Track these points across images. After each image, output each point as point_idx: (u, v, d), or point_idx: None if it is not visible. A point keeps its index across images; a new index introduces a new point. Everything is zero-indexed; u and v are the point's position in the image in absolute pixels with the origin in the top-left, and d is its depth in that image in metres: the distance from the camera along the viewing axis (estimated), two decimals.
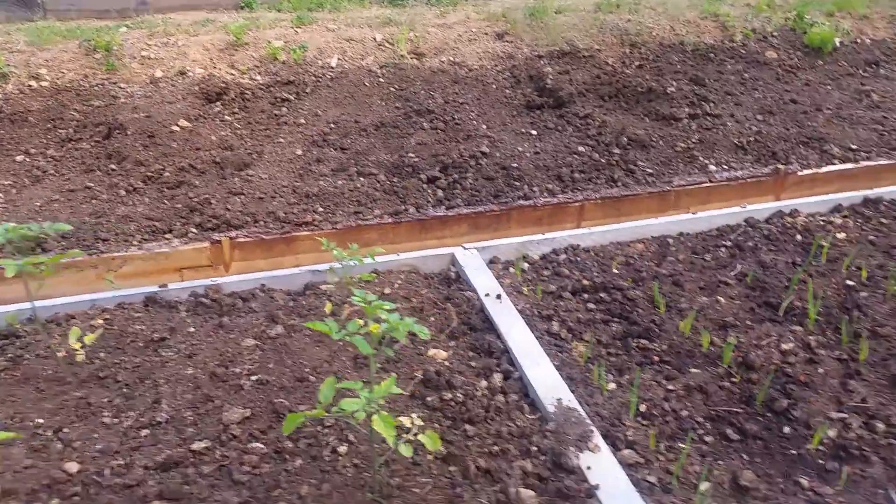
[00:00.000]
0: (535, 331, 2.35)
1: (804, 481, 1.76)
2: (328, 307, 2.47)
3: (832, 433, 1.87)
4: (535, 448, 1.87)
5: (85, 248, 3.14)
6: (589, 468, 1.77)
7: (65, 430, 2.06)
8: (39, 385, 2.25)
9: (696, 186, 4.58)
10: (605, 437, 1.91)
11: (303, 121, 5.21)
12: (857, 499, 1.70)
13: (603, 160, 4.72)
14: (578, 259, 2.78)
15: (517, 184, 4.76)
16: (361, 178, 4.61)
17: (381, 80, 6.01)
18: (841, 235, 2.82)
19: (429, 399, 2.07)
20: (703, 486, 1.77)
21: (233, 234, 3.36)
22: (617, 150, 4.83)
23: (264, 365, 2.26)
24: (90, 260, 2.99)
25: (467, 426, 1.97)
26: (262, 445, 1.95)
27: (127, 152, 4.09)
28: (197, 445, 1.96)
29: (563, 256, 2.81)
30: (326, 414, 1.64)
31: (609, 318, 2.42)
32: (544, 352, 2.21)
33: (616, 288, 2.54)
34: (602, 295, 2.53)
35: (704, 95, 5.21)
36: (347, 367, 2.23)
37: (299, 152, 4.75)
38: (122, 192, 3.91)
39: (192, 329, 2.49)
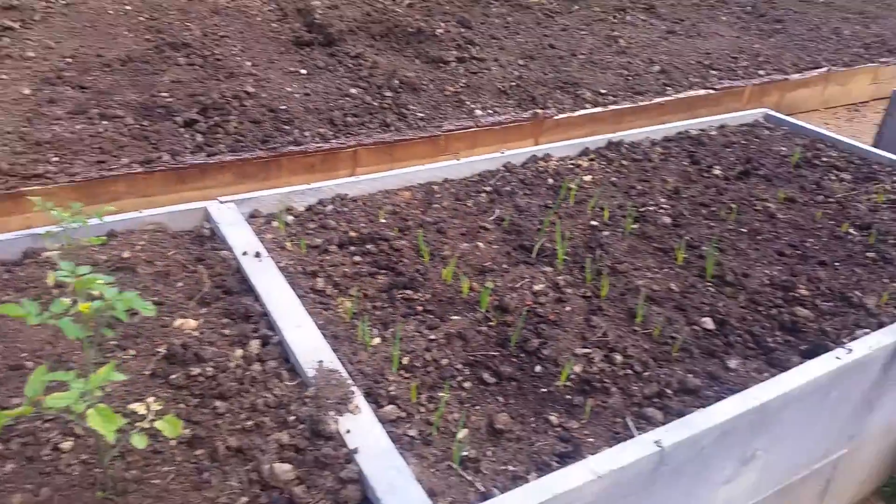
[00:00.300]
0: (297, 289, 2.22)
1: (553, 418, 1.85)
2: (51, 278, 2.12)
3: (578, 368, 1.99)
4: (293, 418, 1.77)
5: None
6: (348, 431, 1.71)
7: None
8: None
9: (465, 131, 4.68)
10: (367, 395, 1.87)
11: (31, 54, 4.49)
12: (599, 429, 1.83)
13: (375, 103, 4.63)
14: (346, 209, 2.68)
15: (287, 128, 4.51)
16: (105, 122, 4.09)
17: (129, 7, 5.34)
18: (587, 178, 3.01)
19: (173, 377, 1.87)
20: (461, 433, 1.79)
21: None
22: (389, 94, 4.75)
23: None
24: None
25: (218, 402, 1.81)
26: None
27: None
28: None
29: (329, 207, 2.69)
30: (34, 412, 1.40)
31: (376, 270, 2.36)
32: (307, 311, 2.10)
33: (383, 238, 2.49)
34: (369, 246, 2.46)
35: (471, 39, 5.29)
36: (76, 349, 1.94)
37: (27, 92, 4.09)
38: None
39: None
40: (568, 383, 1.96)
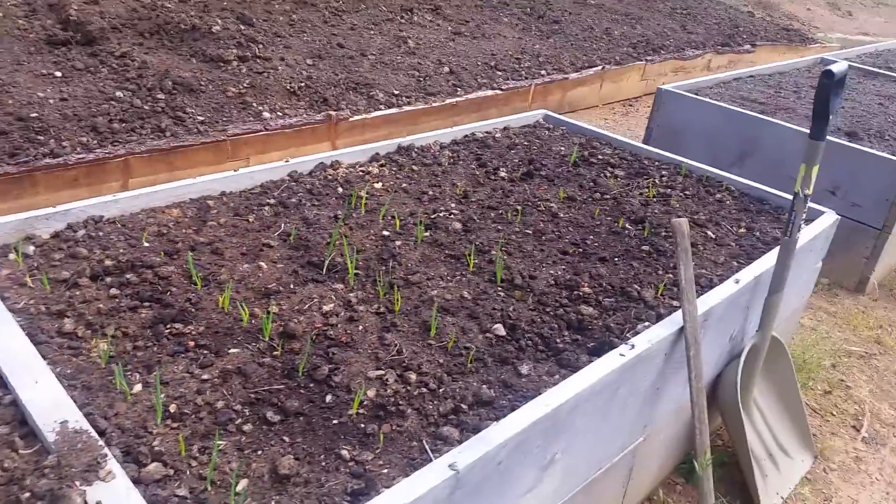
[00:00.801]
0: (40, 335, 1.88)
1: (345, 452, 1.71)
2: None
3: (371, 393, 1.86)
4: (28, 494, 1.47)
5: None
6: (100, 502, 1.44)
7: None
8: None
9: (253, 135, 4.39)
10: (126, 454, 1.60)
11: None
12: (395, 458, 1.72)
13: (147, 107, 4.20)
14: (101, 233, 2.34)
15: (41, 138, 3.96)
16: None
17: None
18: (378, 185, 2.90)
19: None
20: (241, 484, 1.59)
21: None
22: (162, 96, 4.33)
23: None
24: None
25: None
26: None
27: None
28: None
29: (81, 232, 2.33)
30: None
31: (138, 303, 2.07)
32: (48, 361, 1.77)
33: (146, 266, 2.19)
34: (129, 276, 2.15)
35: (253, 36, 4.99)
36: None
37: None
38: None
39: None
40: (361, 411, 1.83)
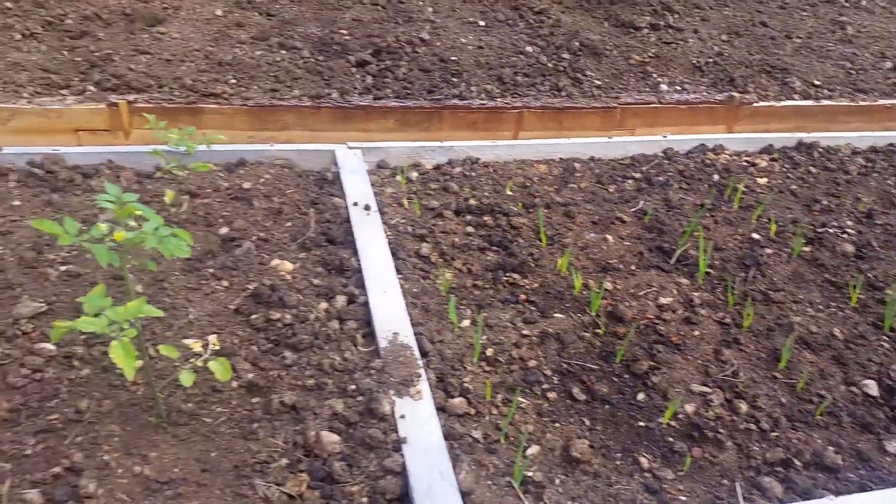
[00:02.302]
0: (401, 251, 2.09)
1: (644, 460, 1.57)
2: (168, 196, 2.16)
3: (690, 408, 1.67)
4: (354, 387, 1.65)
5: None
6: (403, 417, 1.55)
7: None
8: None
9: (645, 106, 4.24)
10: (438, 381, 1.69)
11: None
12: (699, 488, 1.52)
13: (550, 65, 4.33)
14: (474, 174, 2.49)
15: (454, 80, 4.35)
16: (283, 51, 4.16)
17: None
18: (762, 180, 2.55)
19: (253, 317, 1.82)
20: (532, 449, 1.57)
21: (131, 97, 2.99)
22: (567, 55, 4.42)
23: (82, 254, 1.97)
24: None
25: (287, 353, 1.73)
26: (52, 347, 1.69)
27: None
28: None
29: (458, 169, 2.51)
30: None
31: (487, 245, 2.16)
32: (400, 276, 1.96)
33: (503, 212, 2.27)
34: (486, 218, 2.26)
35: (670, 5, 4.77)
36: (175, 270, 1.95)
37: (219, 13, 4.26)
38: (17, 36, 3.46)
39: (17, 202, 2.17)
40: (673, 423, 1.65)
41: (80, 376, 1.65)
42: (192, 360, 1.57)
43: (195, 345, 1.64)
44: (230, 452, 1.52)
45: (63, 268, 1.93)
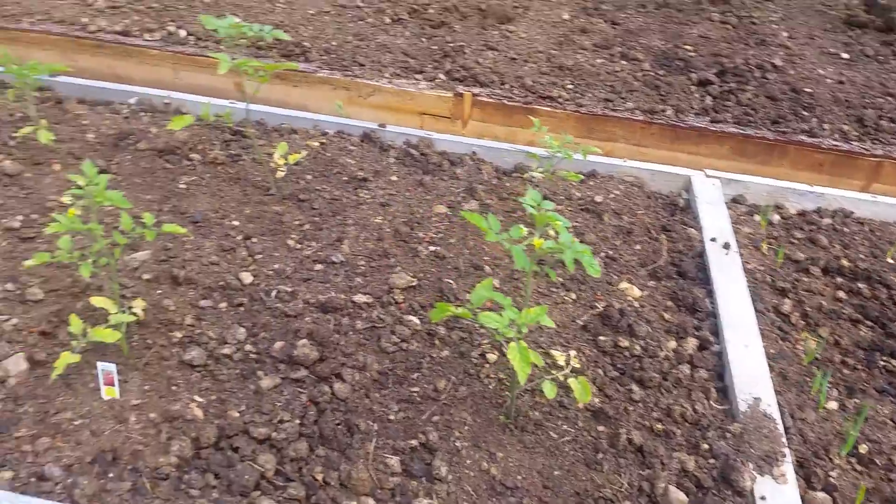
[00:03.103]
0: (759, 302, 1.92)
1: None
2: (532, 198, 2.22)
3: None
4: (707, 447, 1.55)
5: (343, 68, 3.20)
6: (763, 498, 1.42)
7: (253, 239, 2.10)
8: (247, 190, 2.31)
9: None
10: (800, 466, 1.53)
11: None
12: None
13: None
14: (847, 230, 2.22)
15: (805, 114, 3.99)
16: (623, 62, 4.14)
17: None
18: None
19: (601, 339, 1.79)
20: None
21: (476, 90, 3.21)
22: None
23: (447, 238, 2.11)
24: (344, 81, 3.03)
25: (635, 387, 1.68)
26: (417, 321, 1.83)
27: None
28: (359, 298, 1.89)
29: (827, 220, 2.26)
30: (472, 318, 1.46)
31: (860, 317, 1.91)
32: (760, 332, 1.80)
33: (883, 283, 1.99)
34: (861, 285, 2.00)
35: None
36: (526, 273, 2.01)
37: (566, 17, 4.35)
38: (387, 20, 3.88)
39: (394, 178, 2.39)
40: None
41: (441, 356, 1.75)
42: (553, 372, 1.59)
43: (559, 357, 1.66)
44: (573, 476, 1.51)
45: (431, 248, 2.08)
